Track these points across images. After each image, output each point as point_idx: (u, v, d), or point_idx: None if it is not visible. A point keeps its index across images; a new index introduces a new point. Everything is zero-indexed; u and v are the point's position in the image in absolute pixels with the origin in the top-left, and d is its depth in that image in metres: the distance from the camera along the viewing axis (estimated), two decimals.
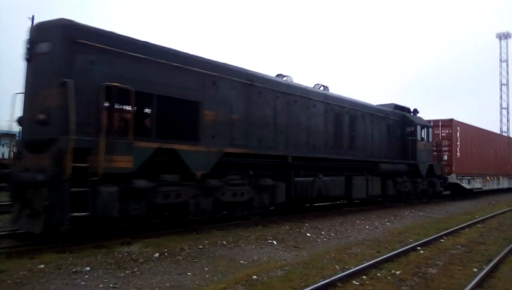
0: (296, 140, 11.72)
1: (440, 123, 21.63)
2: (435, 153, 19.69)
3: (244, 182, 9.95)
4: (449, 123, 21.69)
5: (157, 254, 6.57)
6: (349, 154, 13.69)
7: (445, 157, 20.85)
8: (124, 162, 7.40)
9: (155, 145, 7.90)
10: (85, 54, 7.21)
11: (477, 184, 23.47)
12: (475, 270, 6.44)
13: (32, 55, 7.40)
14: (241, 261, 6.49)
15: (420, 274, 6.14)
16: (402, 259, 7.00)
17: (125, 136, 7.52)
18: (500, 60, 53.66)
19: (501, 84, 53.53)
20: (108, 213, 7.07)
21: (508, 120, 52.84)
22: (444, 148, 20.82)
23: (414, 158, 16.90)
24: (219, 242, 7.74)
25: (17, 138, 9.47)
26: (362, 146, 14.49)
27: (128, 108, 7.98)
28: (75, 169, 6.64)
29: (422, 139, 17.74)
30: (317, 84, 13.62)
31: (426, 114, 19.49)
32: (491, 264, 6.53)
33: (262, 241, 8.08)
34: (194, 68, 8.95)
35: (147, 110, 9.18)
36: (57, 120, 6.94)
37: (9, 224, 7.76)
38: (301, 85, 12.42)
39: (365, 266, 6.17)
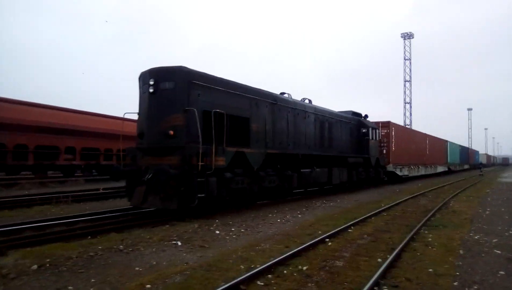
0: (299, 142, 15.51)
1: (380, 124, 26.29)
2: (379, 148, 24.86)
3: (274, 173, 13.51)
4: (387, 124, 27.25)
5: (35, 266, 5.63)
6: (329, 152, 18.00)
7: (384, 151, 26.24)
8: (221, 161, 10.64)
9: (235, 149, 11.39)
10: (195, 90, 10.60)
11: (405, 171, 29.60)
12: (379, 260, 6.43)
13: (156, 90, 10.37)
14: (137, 268, 5.80)
15: (327, 268, 5.96)
16: (310, 253, 6.80)
17: (222, 144, 10.77)
18: (404, 59, 57.97)
19: (405, 81, 57.89)
20: (213, 194, 10.19)
21: (410, 114, 57.37)
22: (383, 144, 26.19)
23: (367, 153, 21.89)
24: (115, 247, 6.94)
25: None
26: (336, 145, 18.91)
27: (221, 125, 10.91)
28: (195, 165, 9.74)
29: (372, 138, 22.60)
30: (303, 98, 17.28)
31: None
32: (393, 253, 6.57)
33: (165, 243, 7.42)
34: (246, 94, 12.56)
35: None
36: (183, 134, 10.20)
37: (138, 204, 10.30)
38: (300, 101, 16.51)
39: (271, 263, 5.83)
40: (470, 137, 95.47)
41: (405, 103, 57.73)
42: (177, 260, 6.27)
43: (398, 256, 6.66)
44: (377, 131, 23.80)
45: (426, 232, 9.02)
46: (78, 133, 22.14)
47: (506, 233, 9.09)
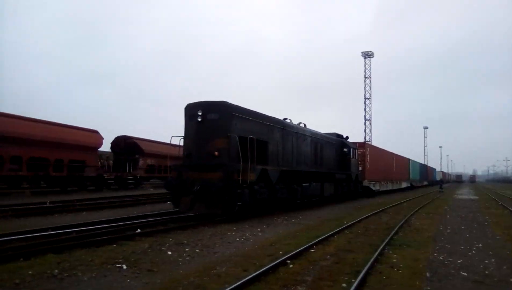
0: (300, 161, 18.10)
1: (357, 145, 28.88)
2: (358, 166, 27.84)
3: (285, 187, 15.80)
4: (363, 145, 30.96)
5: None
6: (321, 169, 20.50)
7: (360, 169, 28.55)
8: (252, 177, 12.98)
9: (261, 167, 13.87)
10: (234, 120, 13.07)
11: (377, 186, 32.92)
12: (344, 285, 5.93)
13: (203, 119, 12.85)
14: None
15: None
16: (270, 278, 6.21)
17: (253, 163, 13.15)
18: (365, 77, 59.29)
19: (365, 98, 59.14)
20: (247, 202, 12.71)
21: (370, 131, 58.53)
22: (360, 162, 28.52)
23: (349, 170, 24.95)
24: (48, 271, 6.06)
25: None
26: (326, 163, 21.49)
27: (252, 147, 13.33)
28: (236, 180, 12.20)
29: (353, 157, 25.78)
30: (300, 122, 19.35)
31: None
32: (358, 278, 6.09)
33: (109, 266, 6.61)
34: (265, 122, 15.11)
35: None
36: (226, 155, 12.62)
37: (186, 210, 12.93)
38: (300, 126, 18.88)
39: None
40: (426, 155, 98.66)
41: (365, 120, 58.93)
42: (119, 288, 5.50)
43: (363, 280, 6.19)
44: (356, 150, 27.05)
45: (390, 252, 8.65)
46: (24, 142, 20.60)
47: (469, 253, 8.88)
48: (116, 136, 31.92)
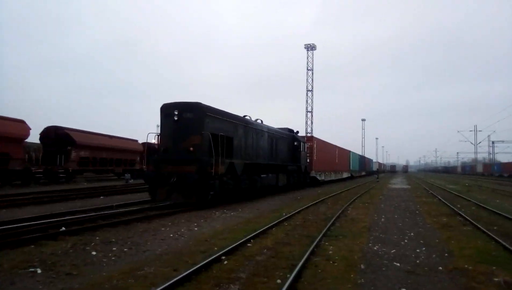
0: (259, 154, 19.86)
1: (305, 138, 31.89)
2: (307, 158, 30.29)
3: (247, 178, 17.64)
4: (310, 138, 33.55)
5: None
6: (275, 161, 22.45)
7: (308, 160, 30.63)
8: (222, 169, 14.78)
9: (229, 161, 15.63)
10: (206, 118, 14.61)
11: (323, 177, 35.92)
12: (279, 281, 5.71)
13: (179, 118, 14.35)
14: None
15: None
16: (202, 276, 5.85)
17: (222, 157, 14.85)
18: (307, 69, 60.14)
19: (307, 90, 60.09)
20: (217, 192, 14.57)
21: (312, 122, 59.68)
22: (308, 154, 30.68)
23: (299, 162, 27.23)
24: None
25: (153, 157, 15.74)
26: (280, 156, 23.44)
27: (222, 143, 15.11)
28: (209, 172, 13.97)
29: (303, 149, 28.17)
30: (257, 118, 21.25)
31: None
32: (293, 273, 5.90)
33: (20, 271, 5.89)
34: (231, 120, 16.75)
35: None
36: (199, 150, 14.19)
37: (162, 200, 14.25)
38: (259, 122, 20.82)
39: None
40: (363, 146, 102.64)
41: (307, 111, 59.94)
42: None
43: (298, 275, 6.01)
44: (305, 144, 29.49)
45: (326, 243, 8.61)
46: None
47: (402, 242, 9.08)
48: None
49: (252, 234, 9.07)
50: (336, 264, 6.85)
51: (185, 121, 14.33)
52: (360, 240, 9.11)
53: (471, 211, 15.52)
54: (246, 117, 19.10)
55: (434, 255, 7.75)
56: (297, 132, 28.43)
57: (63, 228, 9.65)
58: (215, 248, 7.73)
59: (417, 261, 7.26)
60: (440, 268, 6.78)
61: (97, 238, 8.55)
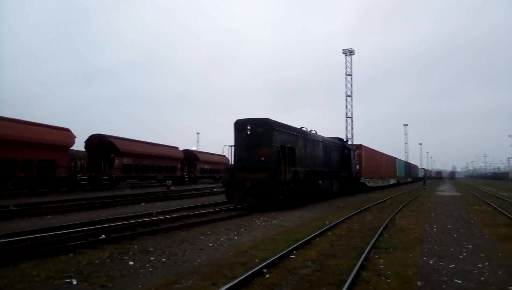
0: (316, 162, 21.72)
1: (354, 147, 33.88)
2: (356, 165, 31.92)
3: (307, 184, 19.33)
4: (359, 146, 35.04)
5: None
6: (330, 168, 24.24)
7: (357, 167, 32.18)
8: (289, 176, 16.58)
9: (293, 168, 17.42)
10: (274, 132, 16.73)
11: (371, 183, 37.31)
12: None
13: (252, 132, 16.45)
14: None
15: None
16: None
17: (288, 165, 16.59)
18: (346, 74, 58.96)
19: (346, 96, 58.84)
20: (285, 196, 16.45)
21: (352, 128, 58.30)
22: (357, 162, 32.21)
23: (350, 168, 28.83)
24: None
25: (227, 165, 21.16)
26: (333, 163, 25.36)
27: (288, 153, 17.01)
28: (279, 179, 15.85)
29: (353, 157, 30.00)
30: (311, 129, 22.78)
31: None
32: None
33: (55, 282, 5.70)
34: (293, 133, 18.95)
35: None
36: (270, 160, 16.20)
37: (236, 203, 16.47)
38: (313, 133, 22.54)
39: None
40: (406, 152, 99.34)
41: (347, 117, 58.63)
42: None
43: None
44: (355, 152, 31.29)
45: (376, 256, 7.95)
46: None
47: (460, 256, 8.25)
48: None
49: (295, 245, 8.54)
50: (389, 280, 6.20)
51: (257, 134, 16.45)
52: (413, 253, 8.36)
53: None
54: (302, 129, 21.07)
55: (500, 272, 6.91)
56: (347, 140, 32.25)
57: (103, 236, 9.54)
58: (256, 260, 7.28)
59: (481, 278, 6.47)
60: (511, 288, 5.98)
61: (135, 247, 8.33)
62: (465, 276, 6.59)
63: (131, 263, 6.96)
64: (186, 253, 7.98)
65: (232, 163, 17.74)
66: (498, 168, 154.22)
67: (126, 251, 7.84)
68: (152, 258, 7.36)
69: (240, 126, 16.83)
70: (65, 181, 25.33)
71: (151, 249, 8.19)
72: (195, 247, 8.58)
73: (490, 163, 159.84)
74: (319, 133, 24.44)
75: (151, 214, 13.97)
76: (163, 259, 7.34)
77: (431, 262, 7.56)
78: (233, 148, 17.19)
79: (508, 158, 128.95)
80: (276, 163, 16.11)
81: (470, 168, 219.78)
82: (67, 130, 25.58)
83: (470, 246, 9.26)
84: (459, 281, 6.27)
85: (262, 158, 16.16)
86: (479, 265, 7.36)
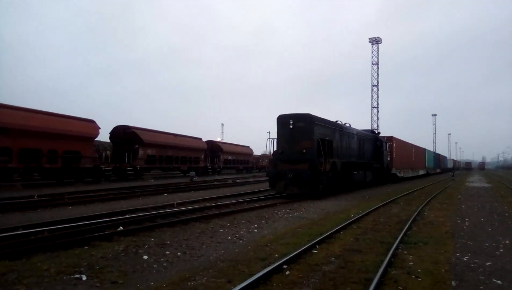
0: (351, 154, 22.67)
1: (385, 138, 33.60)
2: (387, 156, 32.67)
3: (343, 174, 20.27)
4: (390, 138, 34.97)
5: None
6: (363, 160, 25.14)
7: (388, 158, 32.72)
8: (327, 167, 17.65)
9: (332, 160, 18.39)
10: (315, 126, 17.78)
11: (402, 174, 37.87)
12: None
13: (294, 126, 17.52)
14: None
15: None
16: None
17: (327, 157, 17.57)
18: (372, 63, 57.49)
19: (372, 85, 57.44)
20: (325, 185, 17.57)
21: (378, 118, 56.98)
22: (388, 153, 32.77)
23: (382, 160, 29.69)
24: None
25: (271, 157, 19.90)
26: (366, 155, 26.09)
27: (327, 146, 17.88)
28: (319, 170, 17.11)
29: (385, 149, 30.76)
30: (346, 122, 23.34)
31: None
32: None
33: (65, 277, 5.46)
34: (330, 126, 19.96)
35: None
36: (311, 152, 17.21)
37: (278, 192, 17.58)
38: (348, 126, 23.03)
39: None
40: (434, 142, 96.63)
41: (373, 107, 57.31)
42: None
43: None
44: (386, 144, 31.89)
45: (405, 252, 7.44)
46: (13, 132, 19.56)
47: (497, 252, 7.65)
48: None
49: (318, 239, 8.12)
50: (420, 279, 5.71)
51: (298, 128, 17.52)
52: (445, 249, 7.81)
53: None
54: (338, 122, 21.81)
55: None
56: (379, 133, 32.84)
57: (121, 228, 9.36)
58: (276, 255, 6.90)
59: None
60: None
61: (152, 239, 8.08)
62: (505, 276, 6.03)
63: (145, 257, 6.69)
64: (204, 246, 7.67)
65: (272, 155, 19.15)
66: None
67: (142, 244, 7.60)
68: (167, 252, 7.08)
69: (283, 120, 17.88)
70: (90, 172, 25.54)
71: (168, 242, 7.92)
72: (213, 240, 8.27)
73: None
74: (352, 126, 24.81)
75: (172, 205, 13.78)
76: (178, 253, 7.03)
77: (465, 259, 7.00)
78: (275, 141, 18.39)
79: None
80: (317, 155, 17.13)
81: (501, 158, 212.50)
82: (91, 121, 25.73)
83: (507, 242, 8.62)
84: (499, 282, 5.73)
85: (304, 151, 17.20)
86: None
